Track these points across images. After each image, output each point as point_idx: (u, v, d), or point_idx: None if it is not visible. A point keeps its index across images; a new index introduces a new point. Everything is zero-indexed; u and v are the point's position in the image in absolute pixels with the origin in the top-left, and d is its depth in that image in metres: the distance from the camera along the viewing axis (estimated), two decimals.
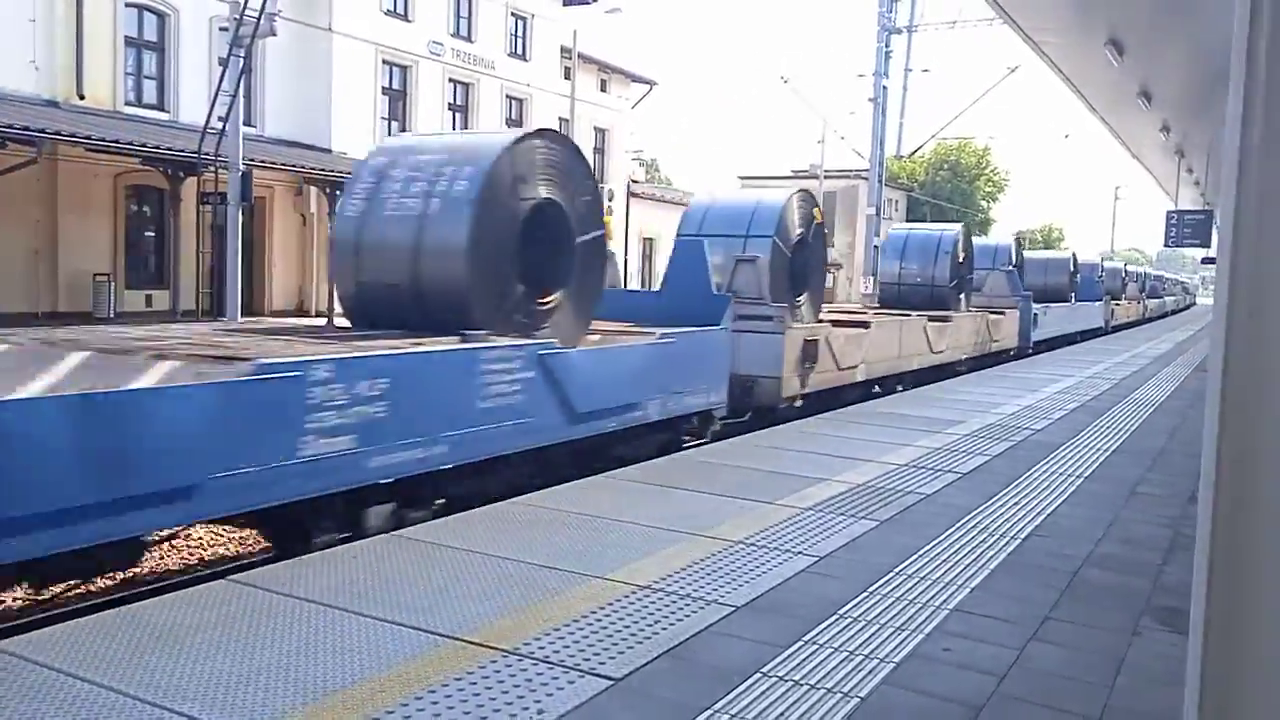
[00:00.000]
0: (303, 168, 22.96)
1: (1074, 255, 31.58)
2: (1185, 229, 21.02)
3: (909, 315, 16.19)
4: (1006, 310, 21.05)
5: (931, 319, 16.44)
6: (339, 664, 3.42)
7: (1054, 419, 10.39)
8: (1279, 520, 1.41)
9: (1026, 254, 31.38)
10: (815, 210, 13.46)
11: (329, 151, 25.73)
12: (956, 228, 19.84)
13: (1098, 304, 31.72)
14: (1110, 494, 6.87)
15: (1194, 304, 78.40)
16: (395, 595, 4.13)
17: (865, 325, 13.88)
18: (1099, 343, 26.05)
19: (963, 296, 19.41)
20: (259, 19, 16.11)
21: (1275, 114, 1.47)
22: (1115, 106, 17.17)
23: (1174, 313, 59.60)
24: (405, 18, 28.40)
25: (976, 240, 25.58)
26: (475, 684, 3.30)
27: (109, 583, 7.01)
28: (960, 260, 19.18)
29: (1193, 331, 32.31)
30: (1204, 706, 1.45)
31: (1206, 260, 48.34)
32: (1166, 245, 21.68)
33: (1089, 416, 10.74)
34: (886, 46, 28.93)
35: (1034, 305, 22.74)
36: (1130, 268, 48.73)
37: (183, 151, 19.16)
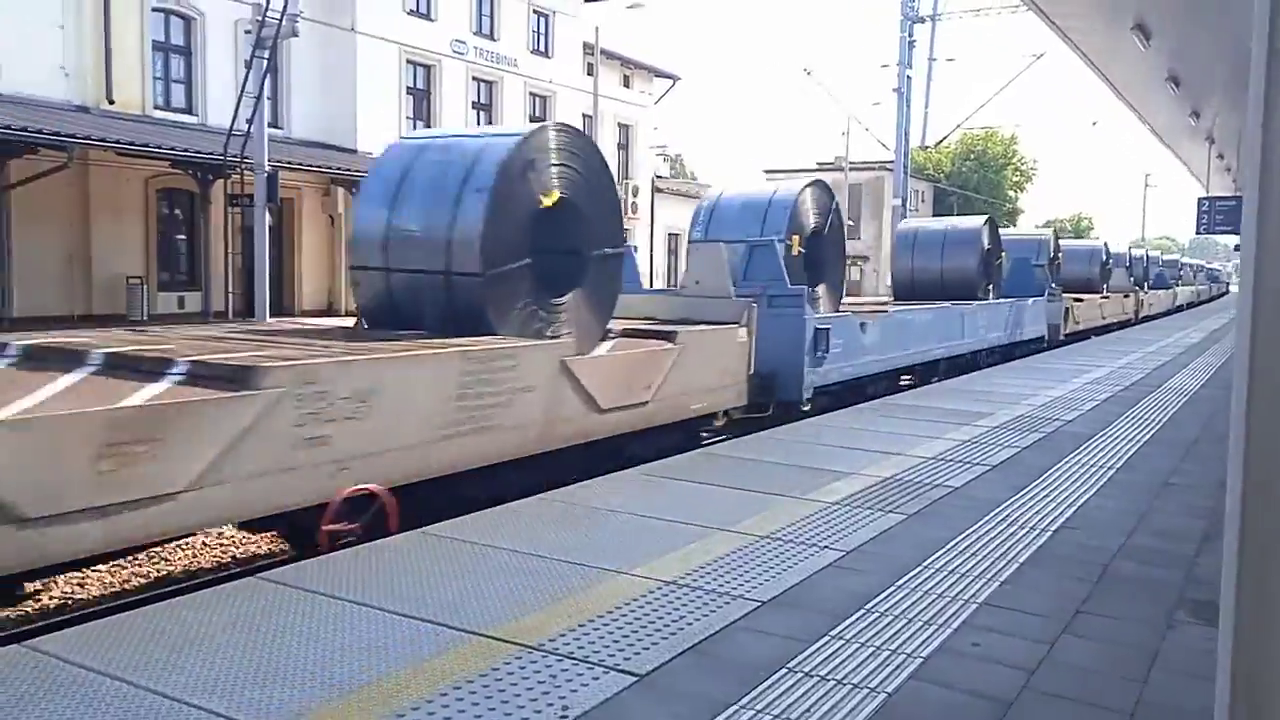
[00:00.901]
0: (328, 168, 23.12)
1: (990, 224, 19.50)
2: (1217, 215, 20.78)
3: None
4: (683, 334, 9.12)
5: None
6: (365, 659, 3.43)
7: (1084, 410, 10.28)
8: None
9: (915, 224, 21.46)
10: None
11: (355, 152, 25.88)
12: (519, 135, 8.16)
13: (1033, 302, 20.39)
14: (1143, 484, 6.78)
15: (1225, 293, 72.73)
16: (421, 591, 4.14)
17: None
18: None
19: (566, 308, 8.45)
20: (280, 20, 16.23)
21: None
22: (1143, 92, 16.95)
23: (1191, 305, 48.40)
24: (428, 17, 28.49)
25: (768, 188, 13.64)
26: (500, 680, 3.30)
27: (142, 581, 7.11)
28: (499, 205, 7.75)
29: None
30: (1235, 701, 1.41)
31: (1239, 247, 47.80)
32: (1198, 232, 21.42)
33: (1121, 408, 10.61)
34: (910, 36, 28.71)
35: (824, 316, 12.05)
36: (1118, 250, 35.73)
37: (209, 154, 19.35)
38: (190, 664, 3.36)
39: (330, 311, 25.11)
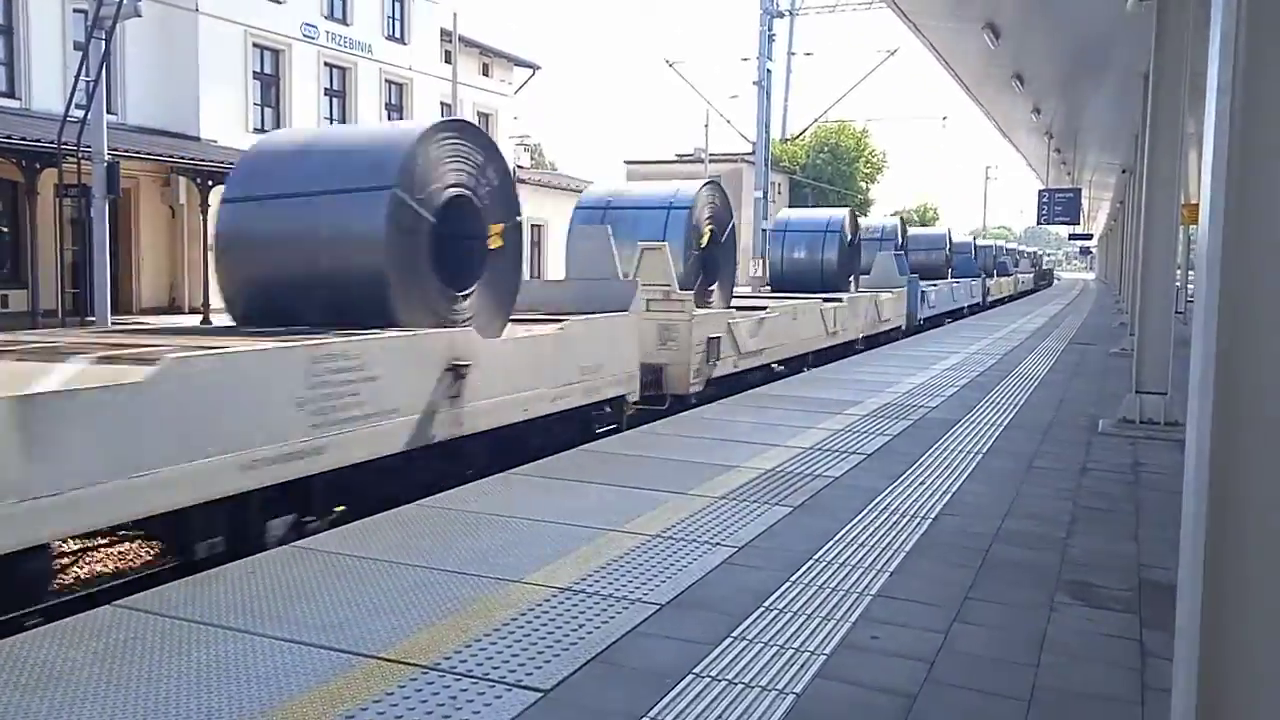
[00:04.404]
0: (173, 157, 21.85)
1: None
2: (1056, 206, 21.99)
3: None
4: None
5: None
6: (244, 692, 3.17)
7: (947, 396, 10.64)
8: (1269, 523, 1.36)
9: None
10: None
11: (197, 139, 24.57)
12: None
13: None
14: (1009, 469, 7.03)
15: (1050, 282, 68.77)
16: (301, 612, 3.88)
17: None
18: None
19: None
20: None
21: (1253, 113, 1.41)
22: (990, 88, 17.70)
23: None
24: None
25: None
26: (397, 705, 3.10)
27: None
28: None
29: None
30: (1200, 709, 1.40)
31: (1074, 236, 50.49)
32: (1039, 222, 22.59)
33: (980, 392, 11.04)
34: (769, 30, 29.21)
35: None
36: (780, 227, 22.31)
37: (38, 142, 17.98)
38: (47, 709, 3.04)
39: (172, 309, 23.75)
